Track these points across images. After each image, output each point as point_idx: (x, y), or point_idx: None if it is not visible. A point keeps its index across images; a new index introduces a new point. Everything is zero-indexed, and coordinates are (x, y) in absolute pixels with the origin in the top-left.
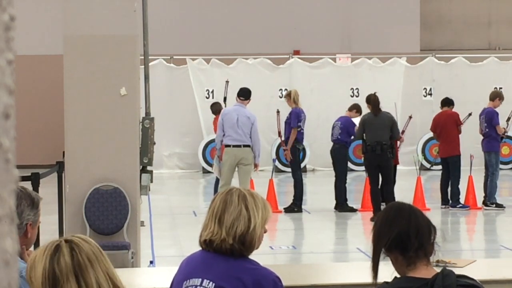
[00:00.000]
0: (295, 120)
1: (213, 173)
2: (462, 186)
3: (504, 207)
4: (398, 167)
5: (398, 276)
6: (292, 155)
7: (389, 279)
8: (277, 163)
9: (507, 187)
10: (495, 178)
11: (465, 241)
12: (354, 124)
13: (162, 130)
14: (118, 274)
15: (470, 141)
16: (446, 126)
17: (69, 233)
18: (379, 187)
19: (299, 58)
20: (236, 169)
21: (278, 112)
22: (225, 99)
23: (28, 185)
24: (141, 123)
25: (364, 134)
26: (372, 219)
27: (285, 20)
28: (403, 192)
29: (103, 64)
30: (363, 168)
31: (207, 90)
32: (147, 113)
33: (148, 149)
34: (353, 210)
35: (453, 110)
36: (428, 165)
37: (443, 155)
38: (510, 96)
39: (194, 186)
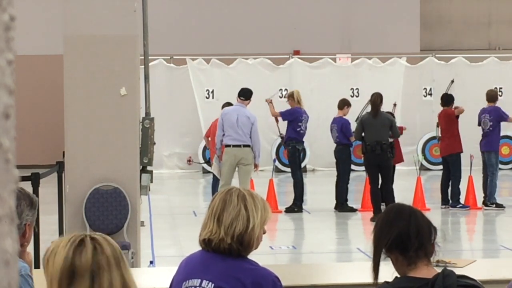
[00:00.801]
0: (287, 115)
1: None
2: (462, 186)
3: (504, 207)
4: (398, 167)
5: (399, 276)
6: (292, 155)
7: (390, 279)
8: (277, 163)
9: (507, 187)
10: (495, 178)
11: (465, 241)
12: (349, 124)
13: (162, 130)
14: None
15: (470, 141)
16: (445, 124)
17: (69, 233)
18: (379, 187)
19: (299, 58)
20: (236, 169)
21: (270, 102)
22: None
23: (28, 185)
24: (141, 123)
25: (363, 134)
26: (372, 219)
27: (285, 20)
28: (403, 192)
29: (103, 64)
30: (363, 168)
31: (207, 90)
32: (147, 113)
33: (148, 149)
34: (353, 210)
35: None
36: (428, 165)
37: (442, 154)
38: (510, 96)
39: (194, 186)
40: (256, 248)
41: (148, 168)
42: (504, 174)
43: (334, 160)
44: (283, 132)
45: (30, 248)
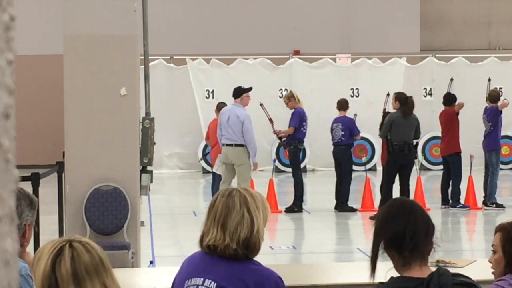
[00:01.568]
0: (297, 120)
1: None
2: (462, 186)
3: (504, 207)
4: None
5: (394, 275)
6: (294, 155)
7: (385, 280)
8: (277, 163)
9: (507, 187)
10: (495, 178)
11: (465, 241)
12: (355, 122)
13: (162, 130)
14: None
15: (470, 141)
16: (445, 124)
17: (69, 233)
18: (378, 187)
19: (299, 58)
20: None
21: (261, 104)
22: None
23: (28, 185)
24: (141, 123)
25: (389, 134)
26: (372, 218)
27: (285, 20)
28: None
29: (103, 64)
30: (363, 168)
31: (207, 90)
32: (147, 113)
33: (148, 149)
34: (353, 210)
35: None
36: (428, 165)
37: (442, 154)
38: (510, 97)
39: (194, 186)
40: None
41: (148, 168)
42: (504, 174)
43: (334, 161)
44: (279, 128)
45: (30, 248)
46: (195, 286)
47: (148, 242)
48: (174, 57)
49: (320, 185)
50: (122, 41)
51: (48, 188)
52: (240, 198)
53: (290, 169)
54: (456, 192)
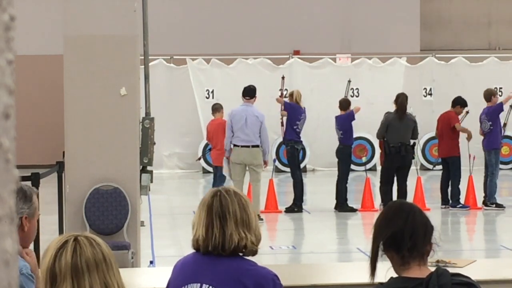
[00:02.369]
0: (294, 114)
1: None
2: (462, 186)
3: (504, 207)
4: None
5: (394, 276)
6: (291, 155)
7: (384, 280)
8: (277, 163)
9: (507, 187)
10: (494, 178)
11: (465, 241)
12: (351, 119)
13: (162, 130)
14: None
15: (470, 141)
16: (446, 126)
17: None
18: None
19: (299, 58)
20: (247, 168)
21: (283, 77)
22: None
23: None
24: (141, 123)
25: (386, 135)
26: None
27: (285, 20)
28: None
29: (103, 64)
30: (363, 168)
31: (207, 90)
32: (147, 113)
33: (148, 149)
34: (353, 210)
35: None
36: (428, 165)
37: (443, 155)
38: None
39: (194, 186)
40: None
41: (148, 168)
42: (504, 174)
43: (334, 160)
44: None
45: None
46: None
47: (148, 242)
48: (174, 57)
49: (320, 185)
50: (122, 41)
51: (48, 188)
52: (242, 196)
53: (289, 169)
54: (456, 192)
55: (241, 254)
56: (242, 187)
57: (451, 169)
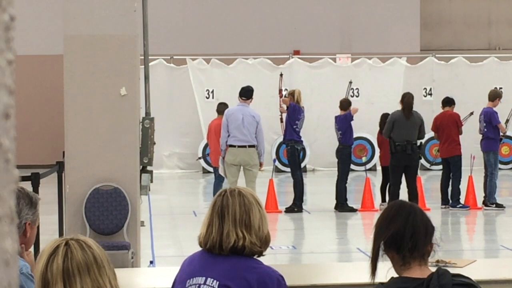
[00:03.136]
0: (293, 114)
1: (214, 174)
2: (462, 186)
3: (504, 207)
4: None
5: (394, 276)
6: (291, 155)
7: (385, 280)
8: (277, 163)
9: (507, 187)
10: (494, 178)
11: (465, 241)
12: (349, 119)
13: (162, 130)
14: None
15: (470, 141)
16: (447, 126)
17: (69, 233)
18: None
19: (299, 58)
20: (241, 169)
21: (281, 75)
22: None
23: (28, 185)
24: (141, 123)
25: (392, 133)
26: None
27: (285, 20)
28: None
29: (103, 64)
30: (363, 168)
31: (207, 90)
32: (147, 113)
33: (148, 149)
34: (353, 210)
35: (454, 110)
36: (428, 165)
37: (444, 155)
38: (510, 96)
39: (194, 186)
40: None
41: (148, 168)
42: (504, 174)
43: (334, 160)
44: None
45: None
46: (197, 285)
47: (148, 242)
48: (174, 57)
49: (320, 185)
50: (122, 41)
51: (48, 188)
52: (250, 196)
53: (289, 169)
54: (456, 192)
55: (242, 254)
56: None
57: (452, 169)
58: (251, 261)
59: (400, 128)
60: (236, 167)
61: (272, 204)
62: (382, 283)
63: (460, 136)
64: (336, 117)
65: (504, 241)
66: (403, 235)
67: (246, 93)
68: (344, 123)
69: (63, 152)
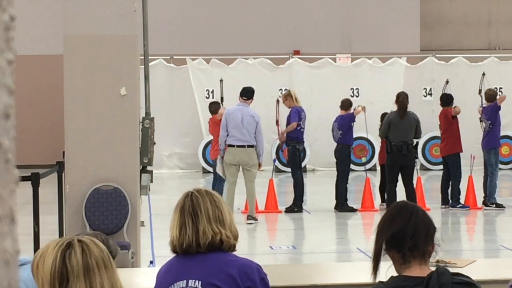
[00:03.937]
0: (295, 116)
1: (213, 174)
2: (462, 186)
3: (504, 207)
4: None
5: (394, 275)
6: (292, 155)
7: (385, 279)
8: (277, 163)
9: (507, 187)
10: (494, 178)
11: (465, 241)
12: (351, 120)
13: (162, 130)
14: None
15: (470, 141)
16: (445, 125)
17: (69, 233)
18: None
19: (299, 58)
20: (241, 169)
21: (277, 101)
22: (222, 99)
23: (28, 185)
24: (141, 123)
25: (388, 133)
26: None
27: (285, 20)
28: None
29: (103, 64)
30: (363, 168)
31: (207, 90)
32: (147, 113)
33: (148, 149)
34: (353, 210)
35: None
36: (428, 165)
37: (442, 154)
38: (510, 97)
39: (194, 186)
40: None
41: (148, 168)
42: (504, 174)
43: (334, 160)
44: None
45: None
46: None
47: (148, 242)
48: (174, 57)
49: (320, 185)
50: (122, 41)
51: (48, 188)
52: (214, 194)
53: (290, 169)
54: (456, 192)
55: (220, 249)
56: (235, 187)
57: (450, 169)
58: (229, 255)
59: (395, 129)
60: (235, 167)
61: (272, 204)
62: (382, 282)
63: (460, 134)
64: (338, 117)
65: (504, 241)
66: (404, 234)
67: (247, 93)
68: (345, 123)
69: (63, 152)
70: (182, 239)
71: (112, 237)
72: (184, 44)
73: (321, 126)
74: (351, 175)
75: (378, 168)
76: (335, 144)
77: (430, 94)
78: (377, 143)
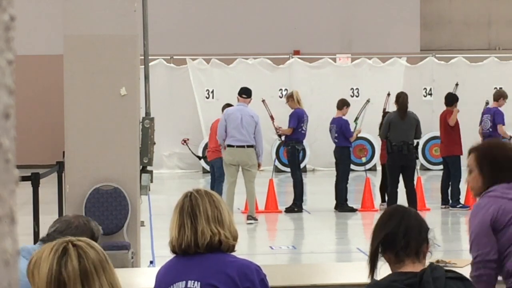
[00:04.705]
0: (295, 121)
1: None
2: (462, 186)
3: None
4: None
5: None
6: (292, 155)
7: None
8: (277, 163)
9: None
10: None
11: (465, 241)
12: (348, 124)
13: (162, 130)
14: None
15: (470, 141)
16: (443, 125)
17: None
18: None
19: (299, 58)
20: (240, 169)
21: (263, 101)
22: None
23: (28, 185)
24: (141, 123)
25: (389, 134)
26: None
27: (285, 20)
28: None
29: (103, 64)
30: (363, 168)
31: (207, 90)
32: (147, 113)
33: (148, 149)
34: (353, 210)
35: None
36: (428, 165)
37: (442, 154)
38: (510, 97)
39: (194, 186)
40: None
41: (148, 168)
42: None
43: (334, 160)
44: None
45: None
46: None
47: (148, 242)
48: (174, 57)
49: (320, 185)
50: (122, 41)
51: (48, 188)
52: (214, 194)
53: (289, 169)
54: (456, 192)
55: (219, 250)
56: (235, 187)
57: (450, 169)
58: (228, 256)
59: (396, 129)
60: (234, 167)
61: (272, 204)
62: (376, 280)
63: (460, 135)
64: (336, 119)
65: None
66: (396, 234)
67: (247, 91)
68: (340, 128)
69: (63, 152)
70: (181, 239)
71: (112, 237)
72: (184, 44)
73: (321, 126)
74: (351, 175)
75: (379, 168)
76: (334, 144)
77: (430, 94)
78: (377, 143)
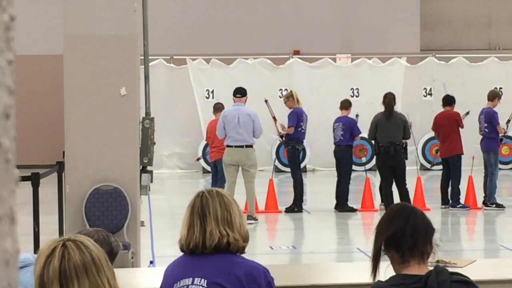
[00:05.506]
0: (294, 119)
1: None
2: (462, 186)
3: (504, 207)
4: None
5: (393, 275)
6: (292, 155)
7: (384, 279)
8: (277, 163)
9: (507, 187)
10: (494, 178)
11: (465, 241)
12: (356, 123)
13: (162, 130)
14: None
15: (470, 141)
16: (447, 126)
17: (69, 233)
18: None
19: (299, 58)
20: (240, 169)
21: (266, 101)
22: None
23: (28, 185)
24: (141, 123)
25: (376, 135)
26: None
27: (285, 20)
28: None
29: (103, 64)
30: (363, 168)
31: (207, 90)
32: (147, 113)
33: (148, 149)
34: (353, 210)
35: (454, 109)
36: (428, 165)
37: (443, 155)
38: (510, 97)
39: (194, 186)
40: None
41: (148, 168)
42: (504, 174)
43: (334, 160)
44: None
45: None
46: (185, 287)
47: (148, 242)
48: (174, 57)
49: (320, 185)
50: (122, 41)
51: (48, 188)
52: (228, 195)
53: (289, 169)
54: (456, 192)
55: (227, 251)
56: (234, 187)
57: (451, 169)
58: (236, 257)
59: (382, 130)
60: (234, 167)
61: (272, 204)
62: (380, 281)
63: (461, 135)
64: (342, 118)
65: (504, 241)
66: (403, 234)
67: (241, 91)
68: (347, 124)
69: (63, 152)
70: (190, 239)
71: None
72: (184, 44)
73: (321, 126)
74: (351, 175)
75: None
76: (334, 144)
77: (430, 94)
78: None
